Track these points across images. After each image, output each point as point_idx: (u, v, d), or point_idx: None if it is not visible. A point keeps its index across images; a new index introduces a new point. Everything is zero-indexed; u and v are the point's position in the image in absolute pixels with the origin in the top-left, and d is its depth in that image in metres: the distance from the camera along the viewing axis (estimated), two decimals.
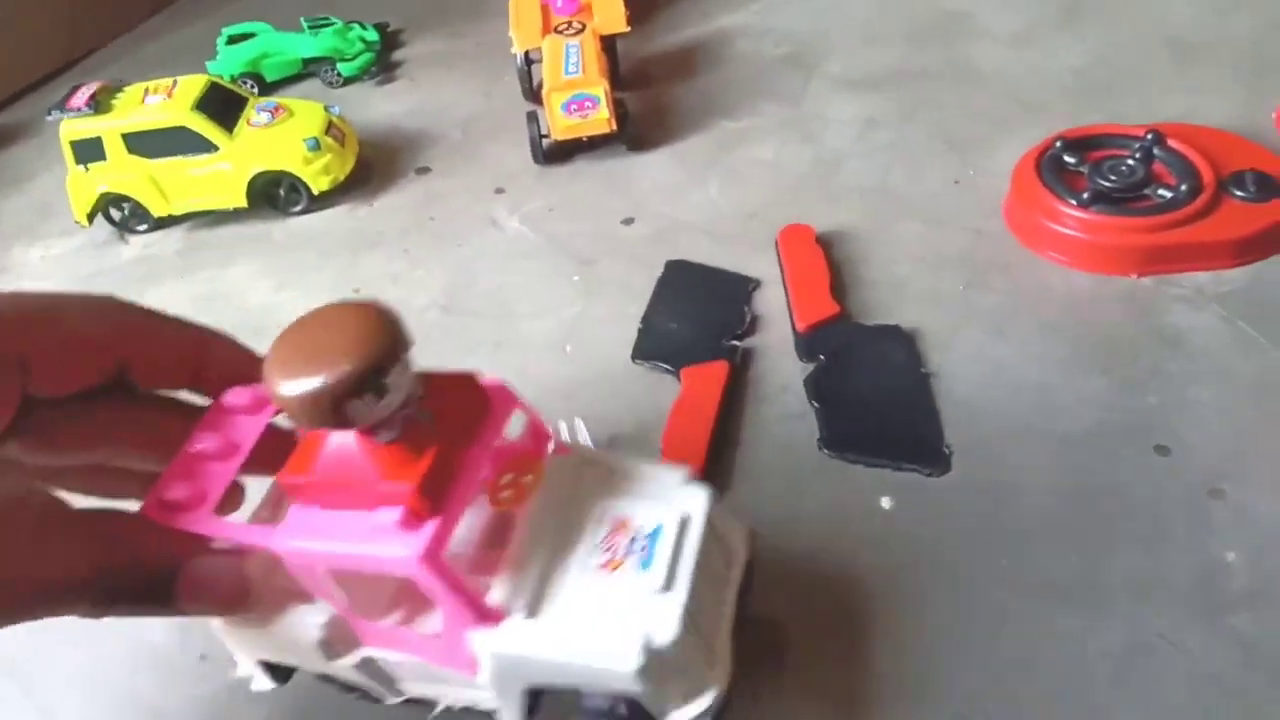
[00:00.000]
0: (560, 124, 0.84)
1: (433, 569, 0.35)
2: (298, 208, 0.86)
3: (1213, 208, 0.68)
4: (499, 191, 0.86)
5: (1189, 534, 0.53)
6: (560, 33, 0.87)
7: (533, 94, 0.95)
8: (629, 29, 0.90)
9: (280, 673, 0.46)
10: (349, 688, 0.46)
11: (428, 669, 0.42)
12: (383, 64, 1.04)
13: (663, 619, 0.39)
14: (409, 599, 0.41)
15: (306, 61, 1.03)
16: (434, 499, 0.36)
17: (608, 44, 0.91)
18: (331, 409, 0.33)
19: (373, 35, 1.06)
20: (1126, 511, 0.54)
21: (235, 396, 0.41)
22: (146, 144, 0.83)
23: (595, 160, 0.87)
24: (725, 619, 0.43)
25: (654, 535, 0.41)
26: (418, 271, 0.79)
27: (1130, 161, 0.71)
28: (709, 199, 0.82)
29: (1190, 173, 0.70)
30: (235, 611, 0.40)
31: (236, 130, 0.84)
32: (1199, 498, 0.54)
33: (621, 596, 0.39)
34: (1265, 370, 0.61)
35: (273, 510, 0.43)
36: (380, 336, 0.34)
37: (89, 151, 0.83)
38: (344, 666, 0.43)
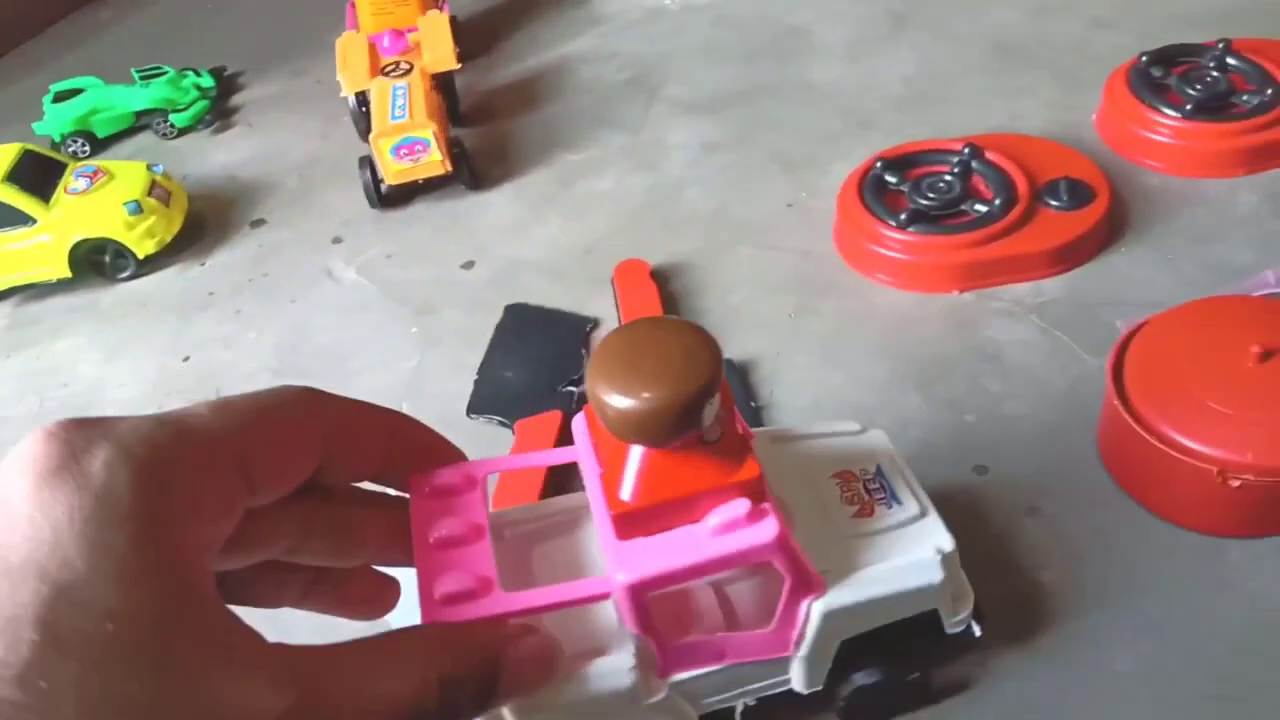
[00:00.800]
0: (392, 169, 0.82)
1: (785, 548, 0.39)
2: (125, 273, 0.83)
3: (1028, 219, 0.69)
4: (336, 241, 0.84)
5: (1006, 555, 0.53)
6: (388, 74, 0.85)
7: (368, 136, 0.92)
8: (460, 65, 0.88)
9: None
10: None
11: (731, 674, 0.43)
12: (219, 110, 1.01)
13: (936, 534, 0.45)
14: (695, 615, 0.43)
15: (139, 114, 0.99)
16: (762, 488, 0.39)
17: (442, 81, 0.89)
18: (693, 413, 0.35)
19: (208, 81, 1.02)
20: None
21: (445, 478, 0.39)
22: None
23: (434, 201, 0.86)
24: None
25: (880, 475, 0.47)
26: (249, 333, 0.77)
27: (948, 177, 0.72)
28: (550, 236, 0.81)
29: (1006, 185, 0.71)
30: (552, 679, 0.38)
31: (54, 199, 0.80)
32: (1016, 517, 0.55)
33: (892, 532, 0.45)
34: (1080, 381, 0.62)
35: (503, 553, 0.40)
36: (713, 342, 0.37)
37: None
38: (649, 706, 0.42)
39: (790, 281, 0.72)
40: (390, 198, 0.85)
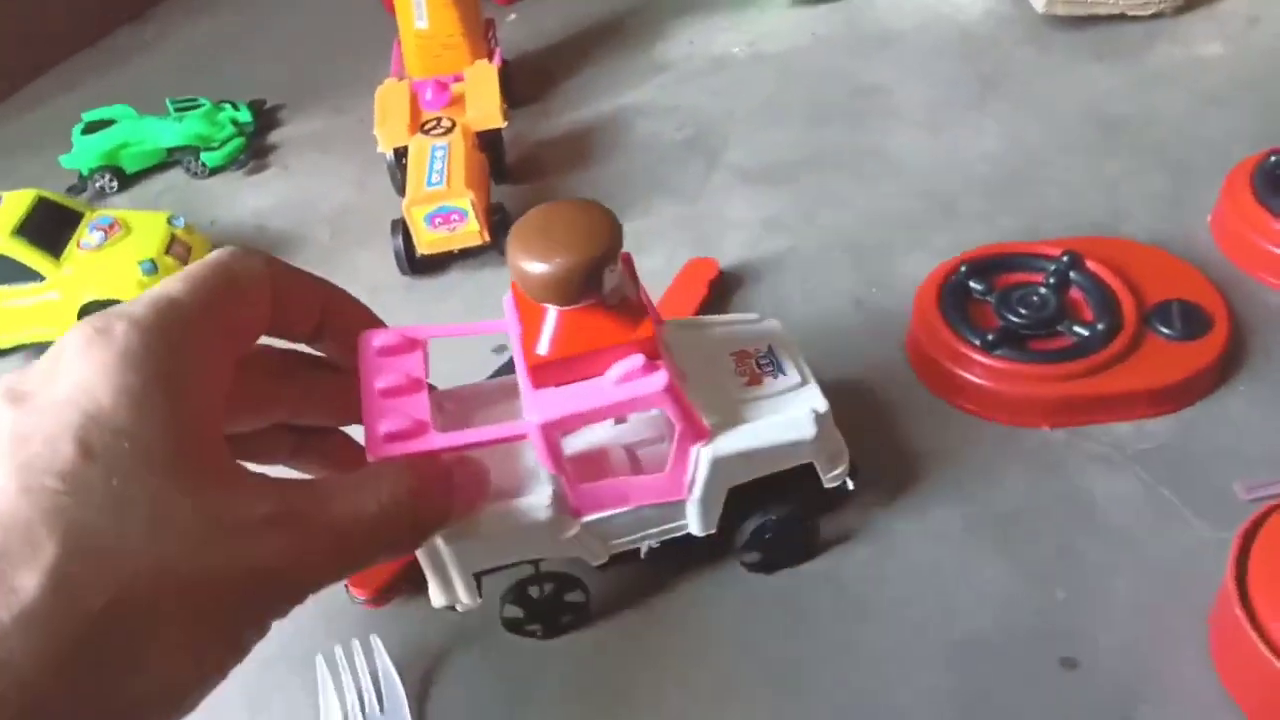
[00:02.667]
0: (425, 238, 0.76)
1: (674, 397, 0.46)
2: None
3: (1134, 348, 0.61)
4: None
5: None
6: (427, 132, 0.79)
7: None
8: (506, 123, 0.81)
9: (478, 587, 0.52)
10: (523, 629, 0.54)
11: (635, 517, 0.51)
12: (254, 149, 0.96)
13: (813, 398, 0.52)
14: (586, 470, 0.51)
15: (171, 150, 0.94)
16: (656, 346, 0.46)
17: (488, 137, 0.83)
18: (594, 275, 0.42)
19: (245, 116, 0.97)
20: None
21: (384, 339, 0.47)
22: None
23: (471, 270, 0.79)
24: None
25: (771, 353, 0.54)
26: None
27: (1042, 290, 0.63)
28: None
29: (1109, 305, 0.62)
30: (486, 501, 0.47)
31: (65, 254, 0.75)
32: None
33: (775, 397, 0.52)
34: (1188, 553, 0.53)
35: (445, 420, 0.50)
36: (613, 217, 0.44)
37: None
38: (564, 541, 0.50)
39: (853, 396, 0.64)
40: (424, 264, 0.79)
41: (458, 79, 0.85)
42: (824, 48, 0.96)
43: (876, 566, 0.56)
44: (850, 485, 0.55)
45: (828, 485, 0.54)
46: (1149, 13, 0.91)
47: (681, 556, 0.54)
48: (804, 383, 0.53)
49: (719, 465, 0.50)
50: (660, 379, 0.45)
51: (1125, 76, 0.86)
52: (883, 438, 0.62)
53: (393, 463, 0.42)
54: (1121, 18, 0.91)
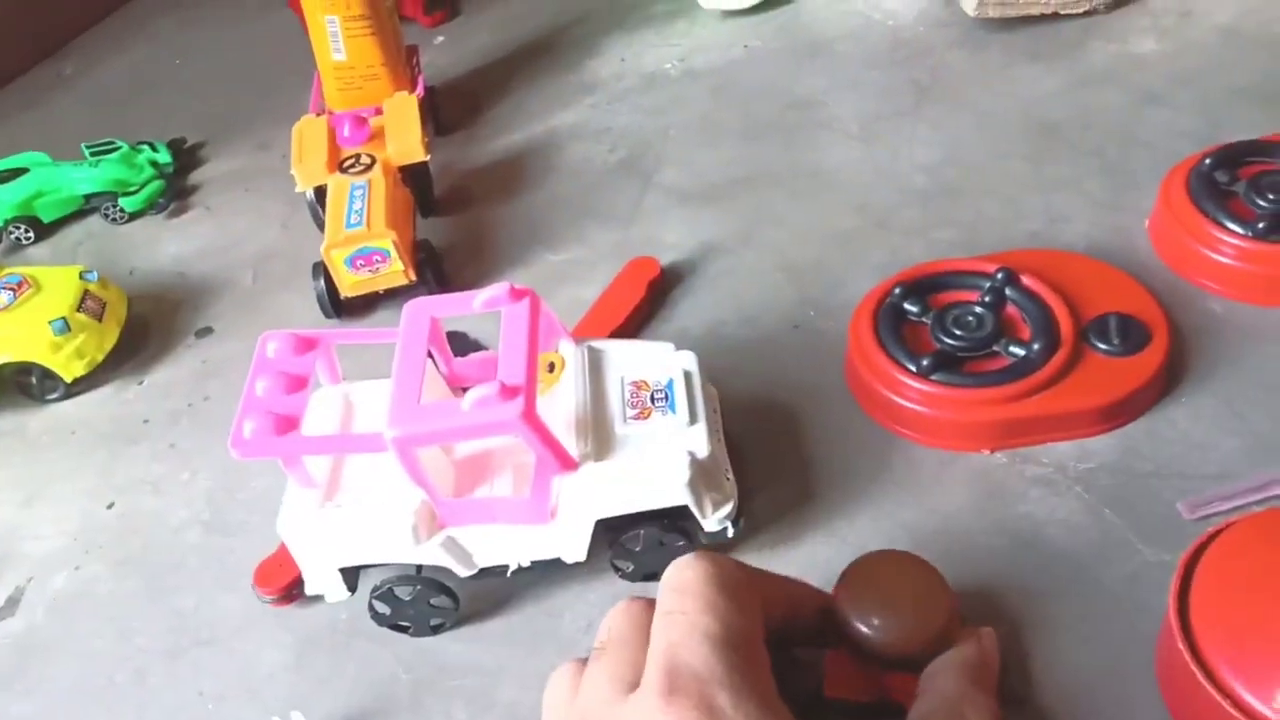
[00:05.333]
0: (347, 281, 0.73)
1: (531, 425, 0.47)
2: (55, 395, 0.74)
3: (1072, 366, 0.59)
4: None
5: None
6: (346, 170, 0.76)
7: None
8: (428, 157, 0.79)
9: (351, 581, 0.55)
10: (396, 624, 0.55)
11: (501, 534, 0.52)
12: (175, 190, 0.92)
13: (696, 440, 0.52)
14: (470, 487, 0.53)
15: (88, 197, 0.91)
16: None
17: (412, 171, 0.80)
18: None
19: (164, 157, 0.94)
20: None
21: (278, 340, 0.53)
22: None
23: (397, 308, 0.75)
24: (724, 447, 0.56)
25: (669, 387, 0.54)
26: (182, 474, 0.68)
27: (978, 309, 0.62)
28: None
29: (1046, 321, 0.61)
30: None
31: None
32: None
33: (660, 435, 0.52)
34: (1133, 578, 0.52)
35: (342, 414, 0.56)
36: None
37: None
38: (429, 549, 0.51)
39: (791, 425, 0.63)
40: (350, 305, 0.76)
41: (377, 112, 0.82)
42: (757, 60, 0.95)
43: None
44: (731, 533, 0.54)
45: (707, 530, 0.53)
46: (1082, 10, 0.90)
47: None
48: (693, 422, 0.53)
49: (580, 496, 0.51)
50: (515, 407, 0.47)
51: (1061, 77, 0.85)
52: (820, 465, 0.60)
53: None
54: (1055, 16, 0.90)
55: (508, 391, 0.47)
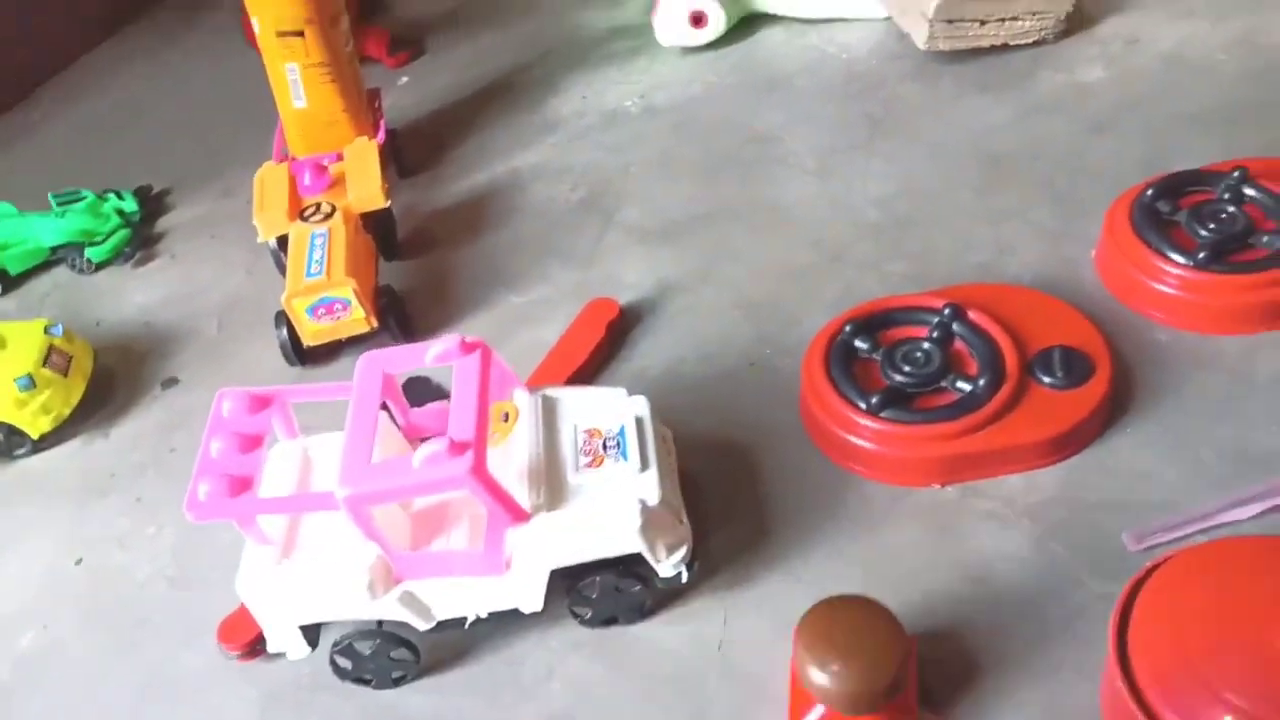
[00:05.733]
0: (309, 329, 0.74)
1: (480, 480, 0.48)
2: (23, 450, 0.75)
3: (1018, 400, 0.60)
4: None
5: None
6: (307, 218, 0.77)
7: None
8: (388, 203, 0.80)
9: (312, 637, 0.55)
10: (358, 678, 0.55)
11: (458, 586, 0.52)
12: (141, 238, 0.93)
13: (647, 488, 0.52)
14: (426, 539, 0.54)
15: (55, 248, 0.91)
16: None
17: (374, 216, 0.81)
18: None
19: (130, 205, 0.94)
20: None
21: (233, 400, 0.54)
22: None
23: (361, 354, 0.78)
24: (678, 490, 0.56)
25: (621, 434, 0.54)
26: (148, 528, 0.69)
27: (926, 346, 0.63)
28: None
29: (992, 356, 0.62)
30: None
31: None
32: None
33: (612, 483, 0.52)
34: (1079, 612, 0.53)
35: (300, 470, 0.57)
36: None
37: None
38: (386, 604, 0.51)
39: (747, 462, 0.64)
40: (313, 354, 0.77)
41: (339, 157, 0.83)
42: (716, 95, 0.96)
43: (749, 632, 0.55)
44: (685, 578, 0.55)
45: (662, 575, 0.54)
46: (1031, 40, 0.92)
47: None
48: (644, 469, 0.54)
49: (533, 547, 0.52)
50: (463, 464, 0.48)
51: (1010, 108, 0.87)
52: (776, 502, 0.61)
53: None
54: (1005, 47, 0.92)
55: (457, 448, 0.48)
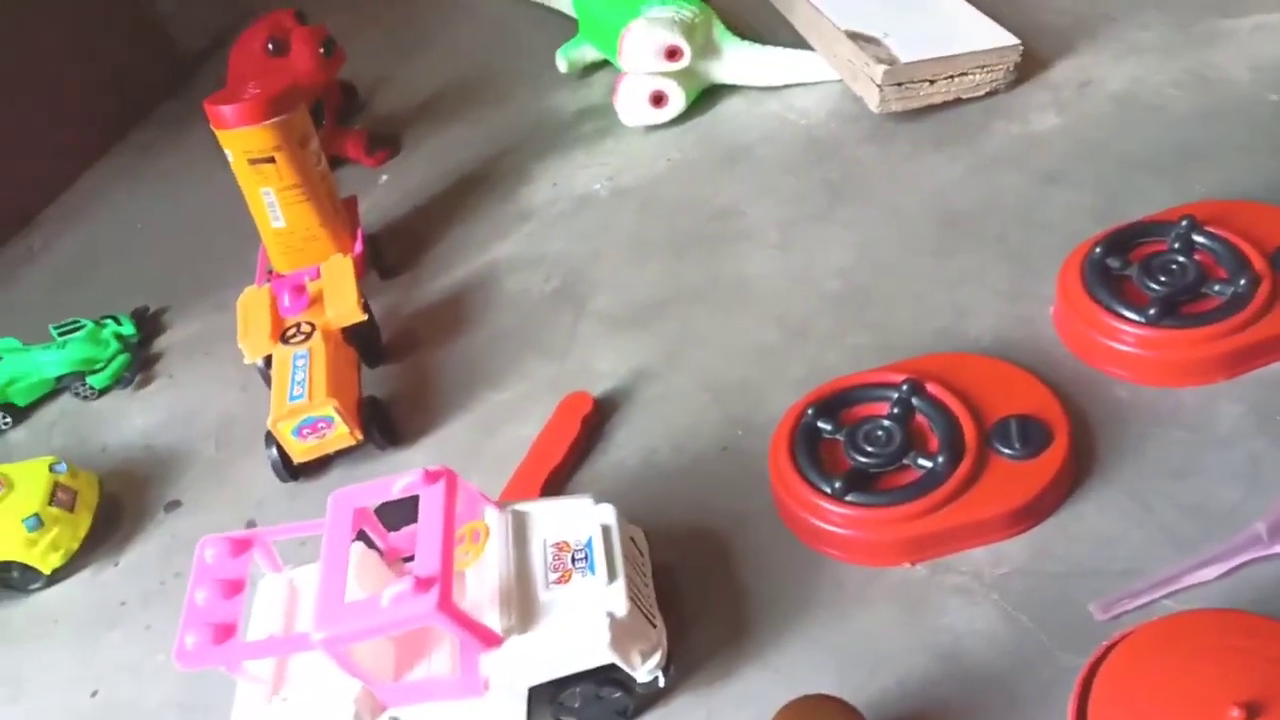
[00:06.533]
0: (297, 449, 0.76)
1: (447, 614, 0.50)
2: (37, 585, 0.78)
3: (978, 473, 0.61)
4: (250, 524, 0.78)
5: None
6: (288, 341, 0.80)
7: None
8: (365, 317, 0.82)
9: None
10: None
11: (443, 708, 0.55)
12: (140, 361, 0.97)
13: (615, 600, 0.54)
14: (410, 662, 0.56)
15: (59, 378, 0.95)
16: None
17: (355, 328, 0.83)
18: None
19: (128, 329, 0.98)
20: None
21: (214, 546, 0.57)
22: None
23: (353, 465, 0.80)
24: (651, 590, 0.59)
25: (588, 546, 0.57)
26: (158, 655, 0.71)
27: (886, 423, 0.64)
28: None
29: (951, 431, 0.63)
30: None
31: None
32: None
33: (581, 598, 0.55)
34: (1049, 686, 0.54)
35: (289, 602, 0.60)
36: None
37: None
38: None
39: (722, 552, 0.65)
40: (304, 469, 0.80)
41: (315, 275, 0.86)
42: (679, 172, 0.98)
43: None
44: (663, 682, 0.57)
45: (639, 681, 0.56)
46: (983, 92, 0.94)
47: None
48: (611, 580, 0.55)
49: (507, 670, 0.53)
50: (429, 601, 0.50)
51: (964, 164, 0.88)
52: (751, 592, 0.63)
53: None
54: (958, 102, 0.94)
55: (422, 585, 0.50)
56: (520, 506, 0.60)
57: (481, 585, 0.56)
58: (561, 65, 1.14)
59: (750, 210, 0.91)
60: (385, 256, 0.98)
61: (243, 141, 0.84)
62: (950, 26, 0.95)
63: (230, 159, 0.86)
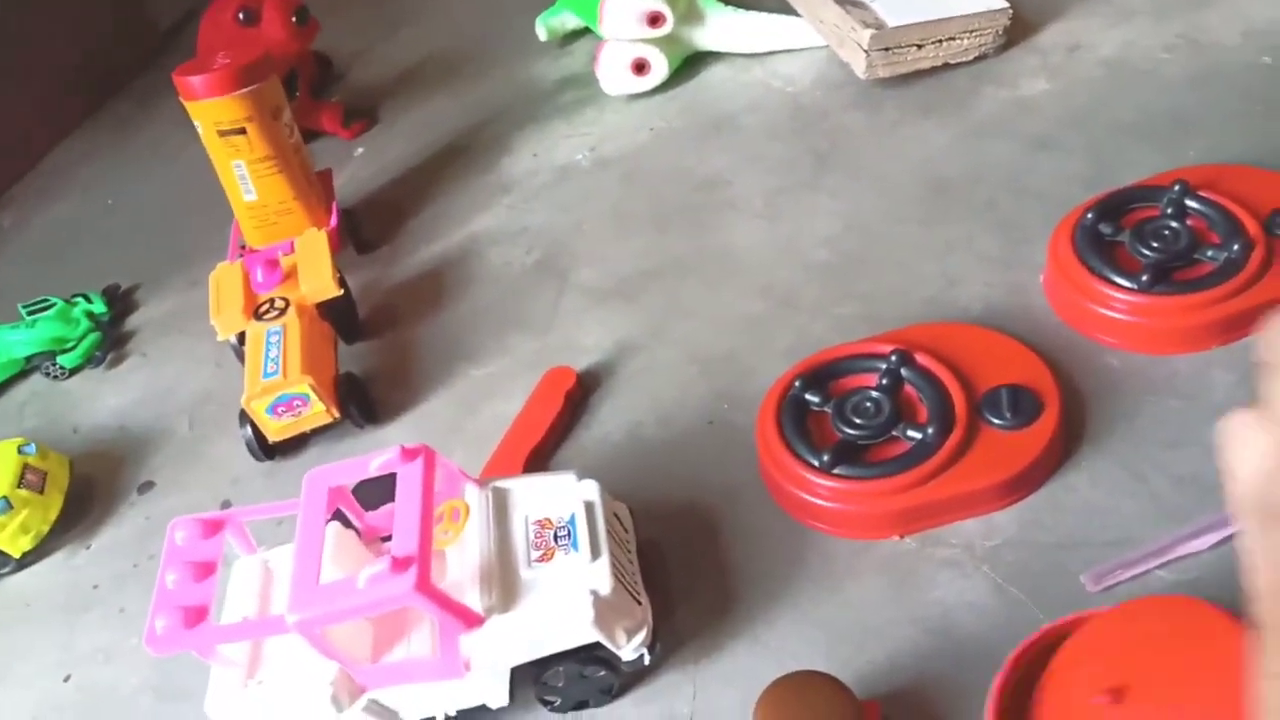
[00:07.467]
0: (272, 427, 0.75)
1: (425, 594, 0.49)
2: (6, 570, 0.76)
3: (968, 445, 0.60)
4: (225, 505, 0.76)
5: None
6: (261, 317, 0.78)
7: None
8: (341, 292, 0.80)
9: None
10: None
11: (424, 689, 0.54)
12: (112, 339, 0.94)
13: (599, 578, 0.53)
14: (389, 643, 0.55)
15: (29, 357, 0.93)
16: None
17: (331, 304, 0.81)
18: None
19: (99, 307, 0.96)
20: None
21: (185, 528, 0.55)
22: None
23: (330, 443, 0.78)
24: (635, 568, 0.58)
25: (571, 523, 0.55)
26: (132, 639, 0.69)
27: (875, 394, 0.63)
28: None
29: (941, 401, 0.62)
30: None
31: None
32: None
33: (564, 576, 0.53)
34: None
35: (263, 584, 0.57)
36: None
37: None
38: (352, 715, 0.53)
39: (709, 526, 0.64)
40: (280, 447, 0.78)
41: (290, 250, 0.84)
42: (663, 141, 0.96)
43: (718, 705, 0.56)
44: (648, 660, 0.55)
45: (625, 659, 0.54)
46: (971, 57, 0.92)
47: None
48: (595, 557, 0.54)
49: (488, 649, 0.52)
50: (406, 581, 0.48)
51: (953, 130, 0.87)
52: (738, 567, 0.61)
53: None
54: (946, 67, 0.92)
55: (399, 564, 0.48)
56: (501, 483, 0.59)
57: (462, 564, 0.55)
58: (541, 33, 1.12)
59: (735, 180, 0.89)
60: (362, 230, 0.96)
61: (212, 113, 0.81)
62: None
63: (200, 131, 0.83)
